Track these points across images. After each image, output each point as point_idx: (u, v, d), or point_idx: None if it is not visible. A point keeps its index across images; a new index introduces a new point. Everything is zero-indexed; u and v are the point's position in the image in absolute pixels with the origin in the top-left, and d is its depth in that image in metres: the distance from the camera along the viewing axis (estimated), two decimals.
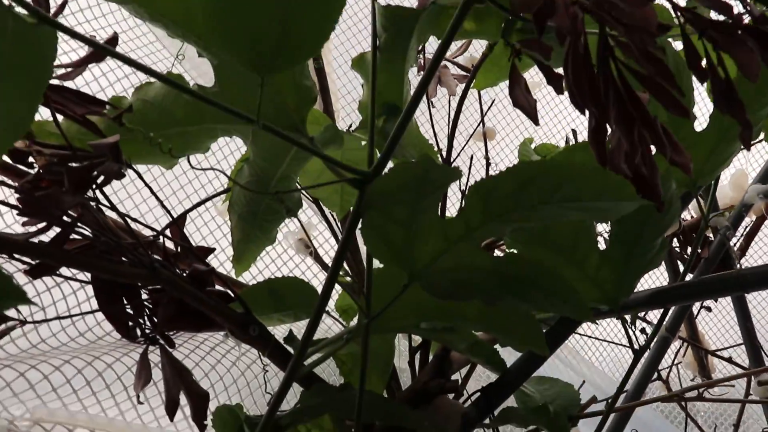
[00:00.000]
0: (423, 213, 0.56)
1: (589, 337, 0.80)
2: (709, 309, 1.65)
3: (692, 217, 1.60)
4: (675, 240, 1.58)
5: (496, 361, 0.82)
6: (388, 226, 0.56)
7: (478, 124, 1.09)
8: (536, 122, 0.59)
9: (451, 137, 0.95)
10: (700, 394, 0.98)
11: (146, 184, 0.72)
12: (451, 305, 0.68)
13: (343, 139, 0.68)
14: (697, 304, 1.64)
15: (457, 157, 0.96)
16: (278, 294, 0.77)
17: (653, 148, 0.51)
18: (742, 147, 0.92)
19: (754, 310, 1.74)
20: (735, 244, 1.67)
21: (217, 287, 0.78)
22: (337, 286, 1.20)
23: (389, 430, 0.80)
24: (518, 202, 0.54)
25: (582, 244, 0.76)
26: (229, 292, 0.74)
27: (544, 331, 0.87)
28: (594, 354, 1.60)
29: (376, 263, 0.65)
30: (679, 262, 1.60)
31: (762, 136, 1.70)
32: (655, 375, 1.51)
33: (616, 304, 0.81)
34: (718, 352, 1.62)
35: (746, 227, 1.68)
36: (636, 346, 0.82)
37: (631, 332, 0.83)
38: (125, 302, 0.70)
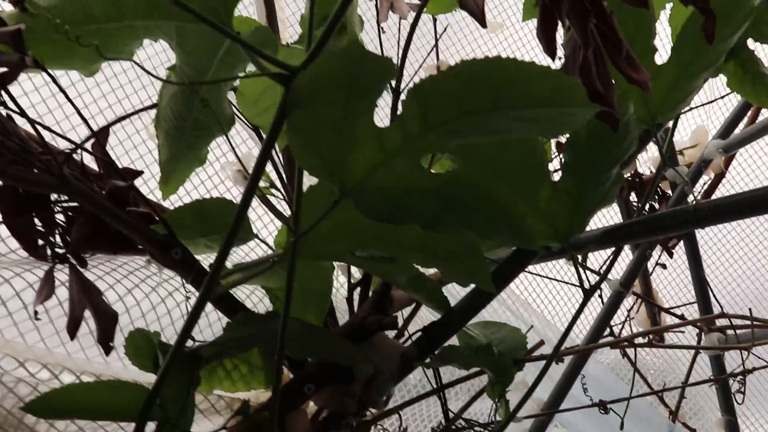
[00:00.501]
0: (356, 117, 0.51)
1: (539, 275, 0.76)
2: (664, 266, 1.63)
3: (651, 171, 1.57)
4: (633, 194, 1.55)
5: (439, 299, 0.77)
6: (316, 131, 0.51)
7: (430, 51, 1.03)
8: (483, 24, 0.54)
9: (401, 65, 0.90)
10: (649, 341, 0.94)
11: (61, 90, 0.65)
12: (388, 230, 0.63)
13: (277, 44, 0.63)
14: (652, 262, 1.62)
15: (406, 87, 0.91)
16: (206, 217, 0.72)
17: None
18: (707, 81, 0.88)
19: (708, 270, 1.72)
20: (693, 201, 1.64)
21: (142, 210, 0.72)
22: (278, 223, 1.14)
23: (323, 368, 0.75)
24: (461, 106, 0.49)
25: (532, 174, 0.71)
26: (152, 213, 0.68)
27: (492, 270, 0.83)
28: (546, 307, 1.57)
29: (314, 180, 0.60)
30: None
31: (722, 92, 1.67)
32: (607, 331, 1.49)
33: (566, 241, 0.76)
34: (671, 310, 1.60)
35: (705, 184, 1.66)
36: (586, 286, 0.77)
37: (582, 272, 0.79)
38: (34, 216, 0.64)
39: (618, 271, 1.55)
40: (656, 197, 1.56)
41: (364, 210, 0.58)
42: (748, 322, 0.93)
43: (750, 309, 0.91)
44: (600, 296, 1.46)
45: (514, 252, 0.83)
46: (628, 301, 1.65)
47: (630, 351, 1.16)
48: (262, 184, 0.95)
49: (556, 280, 1.32)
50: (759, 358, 1.60)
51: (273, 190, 0.93)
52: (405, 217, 0.59)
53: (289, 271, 0.57)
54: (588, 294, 0.76)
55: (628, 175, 1.42)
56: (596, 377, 1.49)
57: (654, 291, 1.65)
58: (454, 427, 0.82)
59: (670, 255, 1.60)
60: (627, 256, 1.57)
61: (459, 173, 0.60)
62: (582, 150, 0.70)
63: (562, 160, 0.73)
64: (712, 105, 1.72)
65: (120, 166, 0.75)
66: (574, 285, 0.78)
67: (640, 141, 0.92)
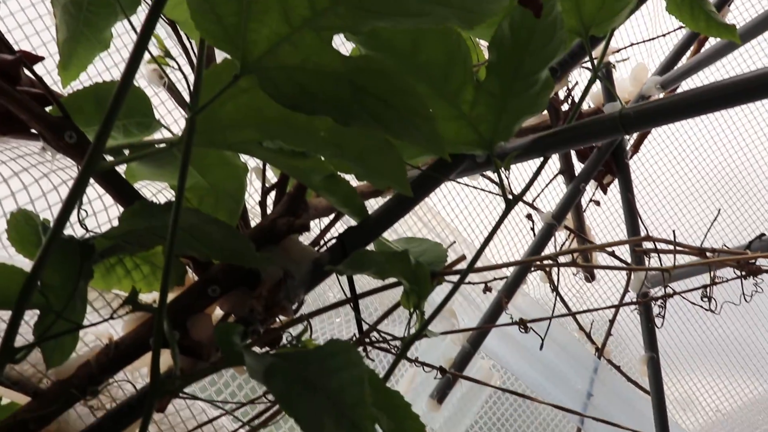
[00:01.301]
0: None
1: (460, 182, 0.74)
2: (597, 203, 1.62)
3: (590, 106, 1.55)
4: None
5: (354, 204, 0.74)
6: None
7: None
8: None
9: None
10: (573, 260, 0.93)
11: None
12: (297, 119, 0.59)
13: None
14: (586, 198, 1.61)
15: None
16: (106, 103, 0.67)
17: None
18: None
19: (641, 210, 1.72)
20: (629, 139, 1.64)
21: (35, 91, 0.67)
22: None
23: (229, 270, 0.71)
24: None
25: (456, 73, 0.68)
26: (46, 95, 0.63)
27: (414, 177, 0.79)
28: (473, 232, 1.55)
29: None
30: (573, 152, 1.56)
31: (665, 30, 1.65)
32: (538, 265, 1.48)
33: (491, 149, 0.73)
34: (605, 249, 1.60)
35: None
36: (509, 196, 0.74)
37: (505, 181, 0.76)
38: None
39: (551, 205, 1.54)
40: None
41: (268, 90, 0.54)
42: (671, 247, 0.92)
43: (674, 231, 0.89)
44: (532, 229, 1.45)
45: (437, 160, 0.80)
46: (561, 237, 1.64)
47: (555, 279, 1.14)
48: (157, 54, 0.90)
49: (477, 188, 1.29)
50: (684, 298, 1.61)
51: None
52: (314, 105, 0.56)
53: (185, 153, 0.53)
54: (510, 204, 0.74)
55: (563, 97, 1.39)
56: (524, 310, 1.48)
57: (587, 228, 1.65)
58: (367, 340, 0.79)
59: (604, 191, 1.59)
60: (561, 190, 1.56)
61: (372, 60, 0.56)
62: (507, 49, 0.67)
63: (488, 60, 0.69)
64: (653, 44, 1.71)
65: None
66: (497, 194, 0.75)
67: (574, 56, 0.89)
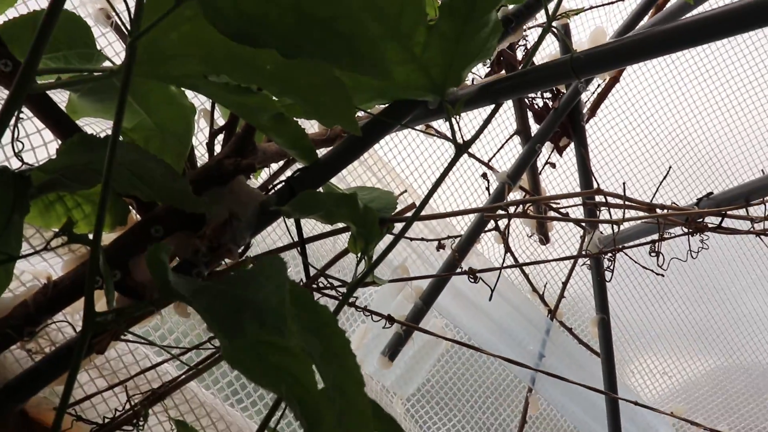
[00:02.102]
0: None
1: (412, 128, 0.73)
2: (553, 165, 1.62)
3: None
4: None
5: (303, 145, 0.72)
6: None
7: None
8: None
9: None
10: (524, 211, 0.92)
11: None
12: (243, 52, 0.57)
13: None
14: (542, 160, 1.61)
15: None
16: None
17: None
18: None
19: (597, 175, 1.73)
20: (586, 102, 1.64)
21: None
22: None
23: (173, 211, 0.70)
24: None
25: (409, 12, 0.66)
26: None
27: (365, 122, 0.78)
28: (425, 185, 1.54)
29: None
30: (530, 113, 1.56)
31: None
32: (492, 225, 1.48)
33: (442, 93, 0.72)
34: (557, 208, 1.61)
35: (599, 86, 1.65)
36: (460, 141, 0.74)
37: (456, 126, 0.75)
38: None
39: (507, 166, 1.54)
40: (551, 94, 1.55)
41: (211, 17, 0.52)
42: (621, 201, 0.93)
43: (624, 183, 0.90)
44: (487, 188, 1.44)
45: (390, 105, 0.79)
46: (517, 197, 1.64)
47: (504, 231, 1.14)
48: None
49: (429, 134, 1.29)
50: (633, 260, 1.63)
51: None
52: (258, 35, 0.54)
53: (124, 81, 0.51)
54: (460, 149, 0.73)
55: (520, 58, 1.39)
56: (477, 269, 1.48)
57: (542, 189, 1.65)
58: (315, 285, 0.78)
59: (560, 153, 1.60)
60: (518, 151, 1.56)
61: None
62: None
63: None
64: (612, 8, 1.71)
65: None
66: (448, 139, 0.74)
67: (529, 7, 0.89)
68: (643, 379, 2.16)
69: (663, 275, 1.91)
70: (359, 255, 0.73)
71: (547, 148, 1.61)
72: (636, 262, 1.79)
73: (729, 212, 1.05)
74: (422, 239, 1.10)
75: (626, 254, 1.08)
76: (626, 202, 0.93)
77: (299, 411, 0.52)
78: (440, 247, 1.28)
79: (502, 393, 1.78)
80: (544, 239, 1.76)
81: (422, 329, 1.05)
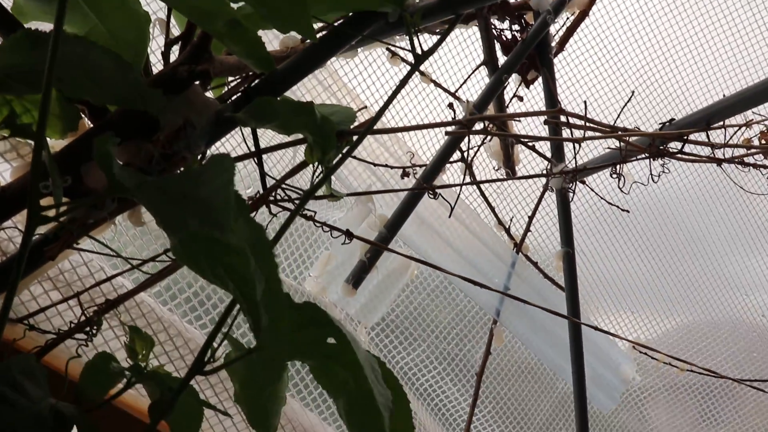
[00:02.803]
0: None
1: (379, 42, 0.72)
2: (520, 98, 1.62)
3: None
4: (495, 19, 1.51)
5: (259, 54, 0.71)
6: None
7: None
8: None
9: None
10: (485, 127, 0.92)
11: None
12: None
13: None
14: (509, 93, 1.61)
15: None
16: None
17: None
18: None
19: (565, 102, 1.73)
20: (554, 37, 1.63)
21: None
22: None
23: (127, 117, 0.69)
24: None
25: None
26: None
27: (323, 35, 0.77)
28: (378, 102, 1.52)
29: None
30: (497, 45, 1.55)
31: None
32: (458, 155, 1.48)
33: (401, 4, 0.71)
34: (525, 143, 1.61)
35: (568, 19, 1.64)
36: (419, 52, 0.73)
37: (416, 40, 0.74)
38: None
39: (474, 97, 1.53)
40: (519, 26, 1.54)
41: None
42: (583, 122, 0.92)
43: (585, 102, 0.89)
44: (453, 117, 1.43)
45: (350, 17, 0.78)
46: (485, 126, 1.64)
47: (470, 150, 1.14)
48: None
49: (387, 44, 1.27)
50: (592, 190, 1.64)
51: None
52: None
53: None
54: (418, 60, 0.72)
55: None
56: (441, 200, 1.48)
57: (509, 124, 1.65)
58: (272, 197, 0.78)
59: (527, 86, 1.59)
60: (485, 82, 1.55)
61: None
62: None
63: None
64: None
65: None
66: (406, 50, 0.73)
67: None
68: (609, 321, 2.18)
69: (628, 211, 1.93)
70: (315, 165, 0.73)
71: (515, 82, 1.61)
72: (602, 198, 1.81)
73: (690, 139, 1.05)
74: (386, 166, 1.10)
75: (596, 168, 1.07)
76: (588, 123, 0.93)
77: (246, 309, 0.52)
78: (405, 175, 1.28)
79: (467, 324, 1.80)
80: (511, 173, 1.76)
81: (385, 247, 1.05)
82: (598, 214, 1.94)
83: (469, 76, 1.51)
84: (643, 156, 0.99)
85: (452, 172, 1.67)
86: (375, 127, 0.76)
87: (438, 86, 1.45)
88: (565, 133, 1.16)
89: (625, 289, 2.13)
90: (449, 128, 1.03)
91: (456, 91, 1.49)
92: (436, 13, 0.76)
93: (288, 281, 1.34)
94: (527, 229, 1.75)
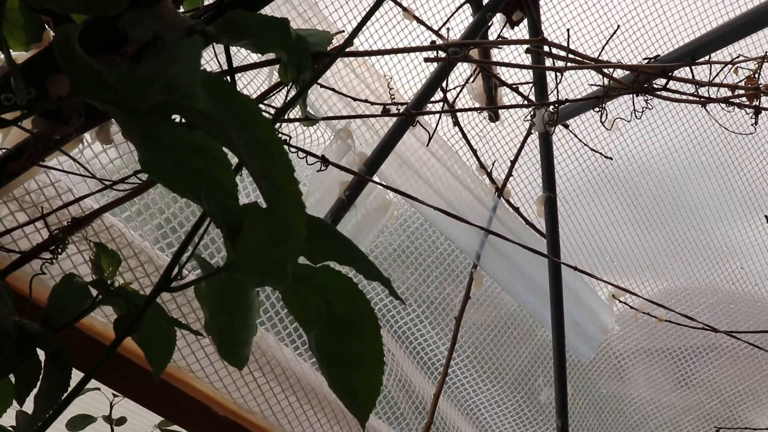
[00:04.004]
0: None
1: None
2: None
3: None
4: None
5: None
6: None
7: None
8: None
9: None
10: (465, 55, 0.90)
11: None
12: None
13: None
14: (493, 34, 1.58)
15: None
16: None
17: None
18: None
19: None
20: None
21: None
22: None
23: (93, 29, 0.66)
24: None
25: None
26: None
27: None
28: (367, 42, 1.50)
29: None
30: None
31: None
32: (440, 95, 1.45)
33: None
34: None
35: None
36: None
37: None
38: None
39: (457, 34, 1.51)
40: None
41: None
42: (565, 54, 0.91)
43: (568, 30, 0.87)
44: (436, 57, 1.41)
45: None
46: (467, 72, 1.62)
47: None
48: None
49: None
50: (575, 136, 1.62)
51: None
52: None
53: None
54: None
55: None
56: (423, 141, 1.47)
57: (493, 69, 1.62)
58: None
59: (512, 27, 1.57)
60: (468, 19, 1.53)
61: None
62: None
63: None
64: None
65: None
66: None
67: None
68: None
69: (611, 158, 1.91)
70: (290, 84, 0.71)
71: (499, 22, 1.58)
72: (585, 145, 1.79)
73: (675, 76, 1.04)
74: (366, 101, 1.08)
75: (577, 100, 1.06)
76: (571, 55, 0.91)
77: (220, 217, 0.50)
78: (385, 112, 1.26)
79: (446, 268, 1.79)
80: (494, 116, 1.75)
81: (366, 178, 1.03)
82: (582, 164, 1.93)
83: (453, 14, 1.49)
84: (626, 91, 0.97)
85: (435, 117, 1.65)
86: (352, 50, 0.74)
87: (421, 23, 1.42)
88: (548, 64, 1.13)
89: (609, 249, 2.13)
90: (429, 54, 1.01)
91: (439, 29, 1.46)
92: None
93: None
94: (509, 174, 1.73)
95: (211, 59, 0.90)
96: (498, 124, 1.76)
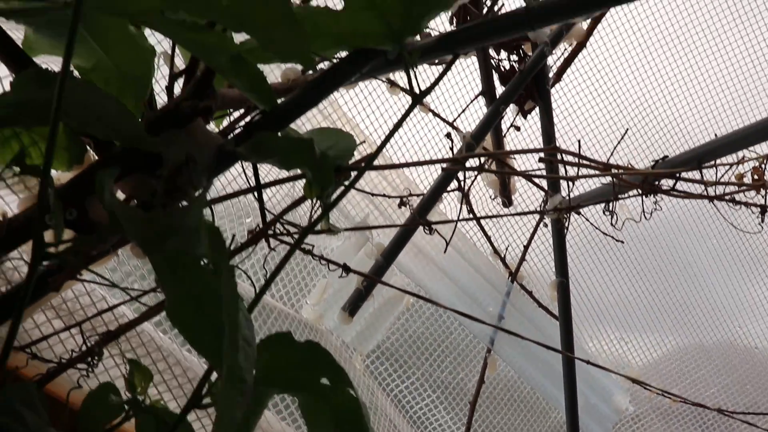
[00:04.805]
0: None
1: (373, 77, 0.74)
2: (517, 128, 1.64)
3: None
4: (493, 50, 1.53)
5: (261, 88, 0.72)
6: None
7: None
8: None
9: None
10: (482, 165, 0.94)
11: None
12: None
13: None
14: (506, 122, 1.63)
15: None
16: None
17: None
18: None
19: (560, 140, 1.75)
20: (552, 67, 1.65)
21: None
22: None
23: (131, 151, 0.70)
24: None
25: None
26: None
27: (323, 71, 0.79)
28: (377, 131, 1.54)
29: None
30: (495, 75, 1.57)
31: None
32: (455, 184, 1.49)
33: (400, 42, 0.73)
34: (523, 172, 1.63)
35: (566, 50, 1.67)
36: (417, 91, 0.74)
37: (414, 79, 0.76)
38: None
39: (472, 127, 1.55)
40: (517, 57, 1.56)
41: None
42: (578, 161, 0.94)
43: (579, 141, 0.91)
44: (451, 149, 1.45)
45: (349, 53, 0.79)
46: (481, 159, 1.66)
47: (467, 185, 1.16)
48: None
49: (385, 81, 1.29)
50: (587, 220, 1.65)
51: None
52: None
53: (75, 11, 0.51)
54: (416, 99, 0.74)
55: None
56: (438, 229, 1.50)
57: (506, 158, 1.67)
58: (271, 231, 0.79)
59: (524, 116, 1.61)
60: (482, 112, 1.57)
61: None
62: None
63: None
64: None
65: None
66: (405, 91, 0.75)
67: None
68: (602, 347, 2.20)
69: (623, 242, 1.94)
70: (314, 201, 0.74)
71: (512, 111, 1.63)
72: (597, 228, 1.82)
73: (683, 176, 1.07)
74: (384, 195, 1.11)
75: (588, 203, 1.09)
76: (582, 161, 0.94)
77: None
78: (402, 204, 1.29)
79: (461, 353, 1.81)
80: (507, 202, 1.78)
81: (380, 281, 1.07)
82: (593, 243, 1.95)
83: (466, 107, 1.53)
84: (636, 193, 1.00)
85: (449, 201, 1.69)
86: (373, 158, 0.78)
87: (436, 116, 1.47)
88: (561, 167, 1.17)
89: (619, 314, 2.14)
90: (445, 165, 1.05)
91: (454, 120, 1.51)
92: (434, 52, 0.78)
93: (286, 310, 1.35)
94: (522, 259, 1.76)
95: (238, 175, 0.94)
96: (511, 209, 1.79)
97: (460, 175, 1.46)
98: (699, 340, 2.27)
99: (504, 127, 1.63)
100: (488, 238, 1.68)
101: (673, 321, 2.23)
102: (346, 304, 1.37)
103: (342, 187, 0.76)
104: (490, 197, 1.74)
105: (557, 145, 1.53)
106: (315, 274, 1.43)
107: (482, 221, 1.69)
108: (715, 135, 1.12)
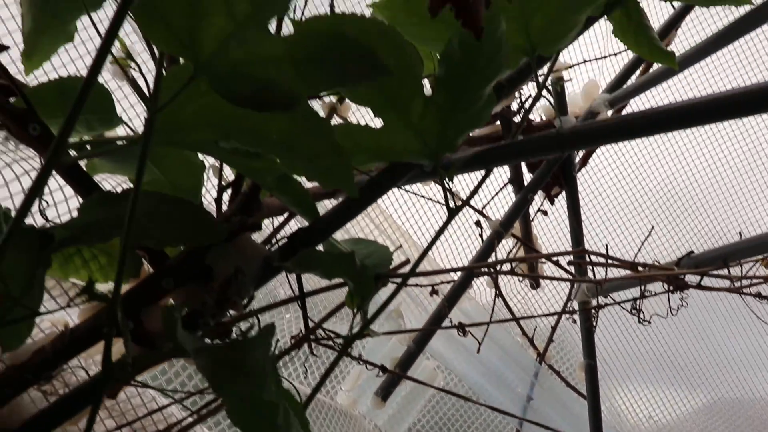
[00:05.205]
0: None
1: (408, 191, 0.78)
2: (545, 213, 1.68)
3: (542, 119, 1.60)
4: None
5: (305, 203, 0.77)
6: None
7: None
8: None
9: None
10: (512, 269, 0.97)
11: None
12: (251, 120, 0.62)
13: None
14: (534, 207, 1.67)
15: None
16: (69, 96, 0.69)
17: None
18: (589, 19, 0.89)
19: (586, 222, 1.78)
20: (577, 153, 1.70)
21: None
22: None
23: (183, 263, 0.74)
24: None
25: (406, 83, 0.72)
26: (11, 86, 0.66)
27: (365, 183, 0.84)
28: (424, 236, 1.59)
29: None
30: (523, 163, 1.61)
31: (617, 49, 1.71)
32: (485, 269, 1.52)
33: (437, 159, 0.77)
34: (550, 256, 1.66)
35: None
36: (452, 205, 0.79)
37: (449, 190, 0.80)
38: None
39: (500, 214, 1.59)
40: None
41: (219, 89, 0.57)
42: (604, 260, 0.97)
43: (606, 245, 0.94)
44: (480, 236, 1.49)
45: (387, 166, 0.84)
46: (509, 245, 1.69)
47: (499, 285, 1.19)
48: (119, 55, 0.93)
49: (424, 197, 1.34)
50: (622, 307, 1.67)
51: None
52: (263, 97, 0.59)
53: (142, 152, 0.56)
54: (452, 212, 0.78)
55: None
56: (469, 313, 1.53)
57: (534, 237, 1.70)
58: (313, 337, 0.83)
59: (552, 202, 1.65)
60: (511, 198, 1.61)
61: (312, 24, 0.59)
62: (455, 65, 0.71)
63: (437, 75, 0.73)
64: (605, 62, 1.77)
65: None
66: (440, 203, 0.79)
67: (522, 73, 0.94)
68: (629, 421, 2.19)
69: (649, 322, 1.95)
70: (355, 310, 0.78)
71: (539, 196, 1.67)
72: (622, 308, 1.83)
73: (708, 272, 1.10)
74: (416, 285, 1.15)
75: (615, 303, 1.12)
76: (609, 261, 0.98)
77: None
78: (433, 292, 1.32)
79: None
80: (535, 284, 1.81)
81: (411, 378, 1.10)
82: (620, 327, 1.97)
83: (495, 195, 1.57)
84: (663, 290, 1.03)
85: (479, 283, 1.72)
86: (412, 271, 0.82)
87: (466, 204, 1.50)
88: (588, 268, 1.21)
89: (647, 368, 2.15)
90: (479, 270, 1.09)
91: (483, 208, 1.55)
92: (469, 166, 0.82)
93: (320, 398, 1.38)
94: (549, 340, 1.77)
95: (280, 284, 0.98)
96: (539, 291, 1.82)
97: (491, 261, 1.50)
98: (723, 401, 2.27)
99: (531, 211, 1.67)
100: (517, 321, 1.70)
101: (698, 385, 2.22)
102: (378, 389, 1.40)
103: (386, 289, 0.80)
104: (519, 279, 1.77)
105: (582, 227, 1.57)
106: (348, 360, 1.45)
107: (510, 304, 1.71)
108: (740, 234, 1.15)
